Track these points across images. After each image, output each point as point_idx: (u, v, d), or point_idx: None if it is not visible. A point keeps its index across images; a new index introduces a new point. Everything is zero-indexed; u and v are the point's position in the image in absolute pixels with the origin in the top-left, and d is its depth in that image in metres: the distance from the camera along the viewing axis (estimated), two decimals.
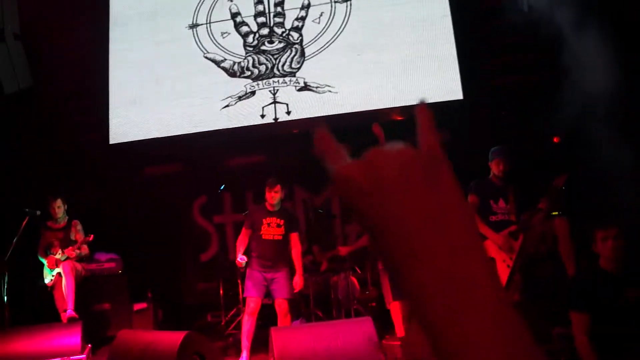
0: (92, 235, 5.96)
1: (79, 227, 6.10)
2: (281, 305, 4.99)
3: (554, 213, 5.24)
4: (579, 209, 5.33)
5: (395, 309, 4.94)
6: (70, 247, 5.84)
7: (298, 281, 5.14)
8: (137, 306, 6.89)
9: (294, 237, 5.19)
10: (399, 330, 4.96)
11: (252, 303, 4.96)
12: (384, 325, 5.41)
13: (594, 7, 5.78)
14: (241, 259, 5.03)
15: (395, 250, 0.43)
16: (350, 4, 6.99)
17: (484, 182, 4.86)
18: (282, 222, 5.10)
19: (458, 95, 6.51)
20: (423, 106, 0.52)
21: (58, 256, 5.86)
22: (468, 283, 0.41)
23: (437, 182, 0.45)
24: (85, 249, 6.03)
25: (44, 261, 5.95)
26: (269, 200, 5.11)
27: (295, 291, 5.20)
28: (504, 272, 4.47)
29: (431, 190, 0.44)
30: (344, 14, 6.97)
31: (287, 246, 5.16)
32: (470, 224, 0.44)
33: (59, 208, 6.07)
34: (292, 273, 5.23)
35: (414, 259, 0.42)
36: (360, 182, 0.46)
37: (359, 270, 6.80)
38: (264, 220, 5.08)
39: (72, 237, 6.02)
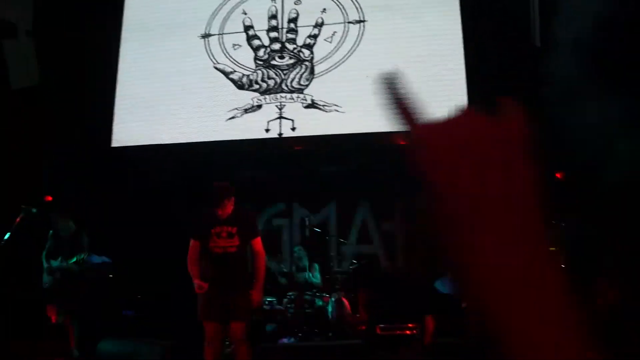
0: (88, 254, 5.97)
1: (85, 237, 6.07)
2: (236, 330, 4.16)
3: None
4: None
5: None
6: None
7: (256, 295, 4.27)
8: (125, 312, 6.83)
9: (255, 244, 4.27)
10: None
11: (211, 329, 4.17)
12: (372, 349, 5.34)
13: (603, 46, 5.82)
14: (200, 286, 4.13)
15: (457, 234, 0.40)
16: (364, 26, 7.04)
17: None
18: (234, 229, 4.14)
19: None
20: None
21: (59, 263, 5.84)
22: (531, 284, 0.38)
23: (512, 169, 0.41)
24: (84, 261, 5.97)
25: (46, 265, 5.90)
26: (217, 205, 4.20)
27: (253, 307, 4.37)
28: None
29: (506, 177, 0.41)
30: (356, 36, 7.02)
31: (244, 259, 4.29)
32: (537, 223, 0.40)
33: (66, 224, 6.03)
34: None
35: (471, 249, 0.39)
36: (436, 148, 0.43)
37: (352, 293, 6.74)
38: (212, 230, 4.14)
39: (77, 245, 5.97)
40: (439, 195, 0.41)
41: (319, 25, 7.16)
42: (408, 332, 6.38)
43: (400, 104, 0.46)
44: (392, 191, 7.30)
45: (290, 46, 7.17)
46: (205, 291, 4.14)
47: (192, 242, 4.28)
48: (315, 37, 7.13)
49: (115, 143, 7.32)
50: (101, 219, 7.19)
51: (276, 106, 6.94)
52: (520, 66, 6.85)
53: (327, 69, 6.95)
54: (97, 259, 6.98)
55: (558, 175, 6.73)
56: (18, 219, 5.82)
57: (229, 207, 4.19)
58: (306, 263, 6.81)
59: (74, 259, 5.87)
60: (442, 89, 6.61)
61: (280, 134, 6.84)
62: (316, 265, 6.76)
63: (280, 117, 6.88)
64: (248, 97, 7.03)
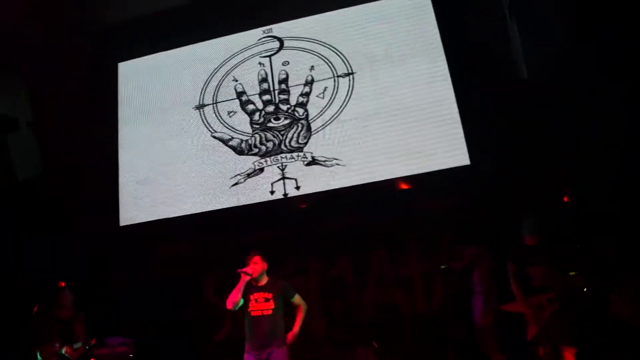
0: (94, 339, 5.69)
1: (84, 321, 5.78)
2: None
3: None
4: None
5: None
6: (69, 346, 5.50)
7: (293, 332, 4.83)
8: None
9: (297, 300, 4.90)
10: None
11: None
12: None
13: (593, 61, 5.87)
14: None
15: None
16: (353, 78, 7.17)
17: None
18: (270, 295, 4.77)
19: (465, 161, 6.54)
20: None
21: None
22: None
23: None
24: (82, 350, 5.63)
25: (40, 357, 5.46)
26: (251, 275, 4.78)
27: (287, 342, 4.78)
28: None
29: None
30: (347, 88, 7.14)
31: (280, 321, 4.78)
32: None
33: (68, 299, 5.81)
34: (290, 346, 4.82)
35: None
36: None
37: (375, 345, 6.62)
38: (250, 296, 4.77)
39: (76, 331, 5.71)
40: None
41: (309, 82, 7.30)
42: None
43: None
44: (404, 236, 7.28)
45: (284, 107, 7.29)
46: (246, 355, 4.72)
47: None
48: (307, 94, 7.26)
49: (123, 222, 7.37)
50: (116, 299, 7.18)
51: (278, 167, 7.01)
52: (512, 97, 6.91)
53: (323, 124, 7.05)
54: (116, 340, 6.92)
55: (565, 199, 6.72)
56: (34, 310, 5.81)
57: (258, 267, 4.84)
58: None
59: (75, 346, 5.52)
60: (440, 131, 6.67)
61: (285, 194, 6.88)
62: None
63: (284, 178, 6.93)
64: (249, 162, 7.12)
